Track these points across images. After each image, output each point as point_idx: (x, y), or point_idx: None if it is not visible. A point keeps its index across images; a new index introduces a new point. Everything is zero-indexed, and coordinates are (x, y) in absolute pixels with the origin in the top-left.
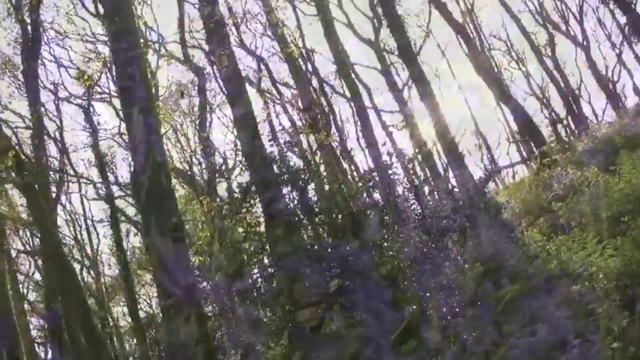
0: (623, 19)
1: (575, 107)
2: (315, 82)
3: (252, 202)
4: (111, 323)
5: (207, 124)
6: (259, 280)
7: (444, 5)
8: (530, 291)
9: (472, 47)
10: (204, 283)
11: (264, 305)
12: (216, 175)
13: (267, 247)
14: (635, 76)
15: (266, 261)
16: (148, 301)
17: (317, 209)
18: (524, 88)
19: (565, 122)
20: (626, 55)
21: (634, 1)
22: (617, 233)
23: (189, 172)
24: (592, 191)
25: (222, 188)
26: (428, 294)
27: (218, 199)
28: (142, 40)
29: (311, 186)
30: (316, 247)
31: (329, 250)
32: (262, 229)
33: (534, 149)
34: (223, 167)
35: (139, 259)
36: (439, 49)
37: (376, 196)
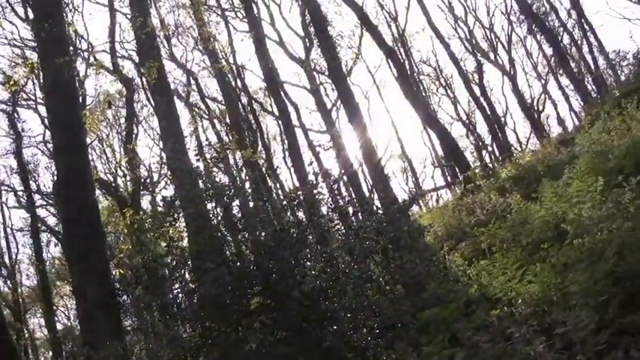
0: (549, 51)
1: (500, 134)
2: (244, 99)
3: (175, 216)
4: (26, 335)
5: (134, 135)
6: (180, 295)
7: (375, 28)
8: (451, 314)
9: (401, 71)
10: (124, 297)
11: (184, 321)
12: (141, 187)
13: (189, 263)
14: (559, 106)
15: (187, 276)
16: (66, 313)
17: (241, 226)
18: (451, 114)
19: (490, 149)
20: (551, 86)
21: (560, 34)
22: (537, 260)
23: (113, 184)
24: (514, 218)
25: (146, 201)
26: (349, 314)
27: (141, 212)
28: (71, 48)
29: (236, 202)
30: (239, 264)
31: (251, 267)
32: (185, 243)
33: (459, 174)
34: (148, 180)
35: (59, 270)
36: (369, 72)
37: (300, 214)
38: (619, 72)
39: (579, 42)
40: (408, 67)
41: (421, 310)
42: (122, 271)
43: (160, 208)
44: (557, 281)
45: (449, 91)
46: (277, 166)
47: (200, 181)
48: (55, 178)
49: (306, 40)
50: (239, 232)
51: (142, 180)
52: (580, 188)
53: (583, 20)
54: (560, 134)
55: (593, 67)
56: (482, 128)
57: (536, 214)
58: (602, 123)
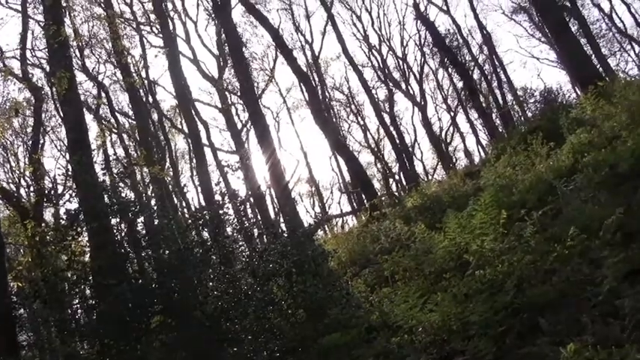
0: (460, 84)
1: (407, 163)
2: (154, 115)
3: (78, 230)
4: None
5: (40, 145)
6: (79, 310)
7: (290, 52)
8: (352, 340)
9: (313, 96)
10: (22, 311)
11: (82, 337)
12: (44, 199)
13: (90, 278)
14: (467, 139)
15: (88, 292)
16: None
17: (144, 243)
18: (361, 141)
19: (397, 177)
20: (460, 119)
21: (471, 68)
22: (439, 289)
23: (15, 194)
24: (417, 247)
25: (49, 213)
26: (250, 337)
27: (43, 224)
28: None
29: (141, 219)
30: (141, 281)
31: (153, 285)
32: (87, 258)
33: (365, 201)
34: (52, 192)
35: None
36: (281, 95)
37: (205, 234)
38: (526, 108)
39: (489, 77)
40: (320, 92)
41: (322, 334)
42: (20, 284)
43: (63, 221)
44: (458, 311)
45: (359, 119)
46: (184, 185)
47: (105, 196)
48: None
49: (221, 59)
50: (143, 249)
51: (46, 191)
52: (483, 220)
53: (494, 56)
54: (467, 166)
55: (501, 102)
56: (390, 157)
57: (439, 244)
58: (507, 157)
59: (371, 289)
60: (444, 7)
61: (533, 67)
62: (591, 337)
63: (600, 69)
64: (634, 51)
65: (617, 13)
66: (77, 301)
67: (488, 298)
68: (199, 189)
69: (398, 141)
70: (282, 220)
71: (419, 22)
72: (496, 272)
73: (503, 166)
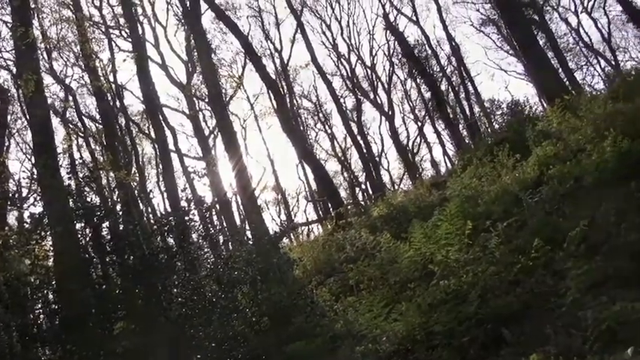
0: (428, 95)
1: (374, 173)
2: (121, 119)
3: (42, 234)
4: None
5: (5, 148)
6: (42, 316)
7: (259, 59)
8: (316, 348)
9: (281, 104)
10: None
11: (44, 343)
12: (8, 202)
13: (54, 283)
14: (434, 149)
15: (51, 297)
16: None
17: (109, 248)
18: (328, 149)
19: (363, 186)
20: (427, 129)
21: (439, 79)
22: (403, 298)
23: None
24: (383, 256)
25: (12, 217)
26: (214, 344)
27: (7, 228)
28: None
29: (106, 224)
30: (104, 286)
31: (117, 291)
32: (50, 263)
33: (331, 209)
34: (16, 195)
35: None
36: (249, 101)
37: (170, 240)
38: (493, 120)
39: (457, 88)
40: (288, 100)
41: (287, 343)
42: None
43: (27, 225)
44: (422, 321)
45: (327, 127)
46: (151, 190)
47: (70, 200)
48: None
49: (189, 65)
50: (107, 255)
51: (10, 194)
52: (449, 231)
53: (462, 68)
54: (433, 177)
55: (468, 113)
56: (357, 166)
57: (404, 254)
58: (473, 168)
59: (336, 298)
60: (414, 18)
61: (501, 80)
62: (554, 348)
63: (567, 82)
64: (600, 65)
65: (583, 28)
66: (40, 306)
67: (452, 309)
68: (165, 195)
69: (365, 150)
70: (247, 227)
71: (388, 32)
72: (460, 283)
73: (470, 177)
